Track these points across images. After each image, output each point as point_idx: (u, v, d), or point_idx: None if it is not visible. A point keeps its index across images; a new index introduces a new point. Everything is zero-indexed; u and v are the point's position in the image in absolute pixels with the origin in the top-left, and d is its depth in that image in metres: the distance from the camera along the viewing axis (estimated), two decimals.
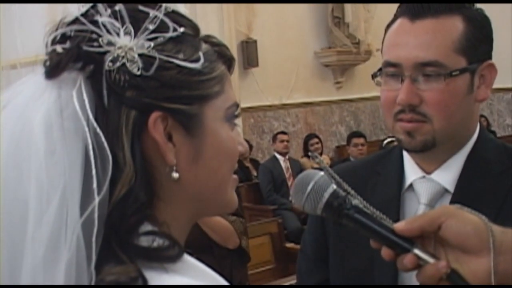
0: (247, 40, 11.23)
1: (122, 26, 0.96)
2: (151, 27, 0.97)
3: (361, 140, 9.07)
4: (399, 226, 1.15)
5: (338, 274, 1.71)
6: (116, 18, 0.96)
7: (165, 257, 0.94)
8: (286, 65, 11.86)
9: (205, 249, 3.94)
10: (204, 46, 1.04)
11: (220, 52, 1.07)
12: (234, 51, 10.62)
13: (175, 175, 0.99)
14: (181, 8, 1.03)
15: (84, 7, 0.99)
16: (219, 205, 1.09)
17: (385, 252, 1.16)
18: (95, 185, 0.90)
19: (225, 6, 10.57)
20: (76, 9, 1.00)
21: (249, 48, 11.20)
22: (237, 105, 1.08)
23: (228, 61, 1.09)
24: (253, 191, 9.28)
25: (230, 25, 10.73)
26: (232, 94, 1.07)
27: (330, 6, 12.22)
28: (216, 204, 1.08)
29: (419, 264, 1.12)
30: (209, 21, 9.90)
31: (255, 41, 11.28)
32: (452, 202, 1.53)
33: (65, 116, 0.92)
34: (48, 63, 0.96)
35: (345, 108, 13.04)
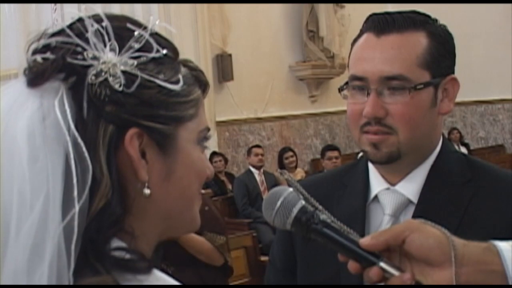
0: (222, 54, 11.26)
1: (108, 42, 0.98)
2: (136, 45, 0.99)
3: (335, 153, 9.06)
4: (365, 241, 1.17)
5: (306, 285, 1.72)
6: (102, 34, 0.98)
7: (138, 269, 0.96)
8: (261, 78, 11.89)
9: (186, 262, 4.00)
10: (183, 69, 1.07)
11: (197, 77, 1.10)
12: (209, 65, 10.63)
13: (147, 191, 1.01)
14: (155, 15, 1.05)
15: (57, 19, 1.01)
16: (186, 223, 1.11)
17: (352, 266, 1.18)
18: (75, 193, 0.92)
19: (200, 19, 10.58)
20: (48, 25, 1.02)
21: (224, 62, 11.22)
22: (208, 129, 1.11)
23: (204, 86, 1.11)
24: (228, 204, 9.27)
25: (205, 39, 10.74)
26: (204, 118, 1.10)
27: (304, 20, 12.30)
28: (184, 222, 1.11)
29: (385, 277, 1.15)
30: (184, 34, 9.87)
31: (230, 55, 11.30)
32: (415, 212, 1.57)
33: (47, 124, 0.93)
34: (29, 71, 0.97)
35: (320, 122, 13.08)
